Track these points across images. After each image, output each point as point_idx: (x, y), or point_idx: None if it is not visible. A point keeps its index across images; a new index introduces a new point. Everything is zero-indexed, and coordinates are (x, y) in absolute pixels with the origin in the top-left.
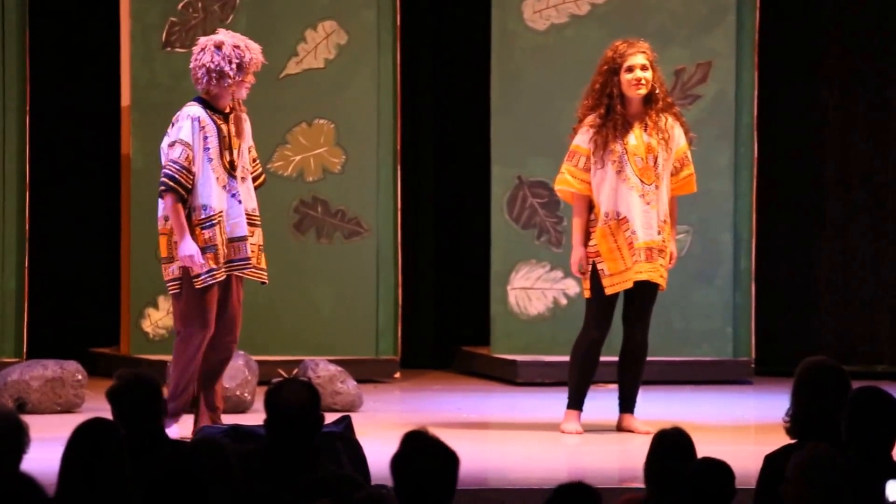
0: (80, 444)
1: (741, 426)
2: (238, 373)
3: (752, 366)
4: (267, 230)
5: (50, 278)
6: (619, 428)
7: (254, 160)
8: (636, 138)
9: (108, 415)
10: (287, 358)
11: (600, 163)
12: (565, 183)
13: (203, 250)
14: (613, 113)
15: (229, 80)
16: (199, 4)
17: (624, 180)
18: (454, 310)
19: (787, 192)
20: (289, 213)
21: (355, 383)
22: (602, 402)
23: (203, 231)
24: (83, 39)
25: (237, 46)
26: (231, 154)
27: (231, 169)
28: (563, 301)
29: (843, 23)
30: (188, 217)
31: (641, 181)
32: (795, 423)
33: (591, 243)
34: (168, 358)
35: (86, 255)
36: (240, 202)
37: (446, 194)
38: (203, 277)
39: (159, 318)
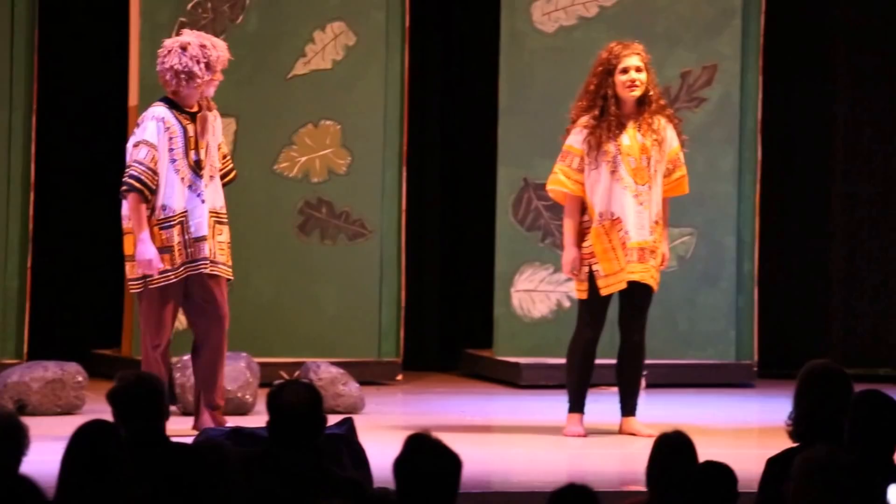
0: (81, 446)
1: (743, 429)
2: (239, 374)
3: (755, 369)
4: (271, 231)
5: (52, 279)
6: (622, 431)
7: (223, 157)
8: (630, 139)
9: (109, 417)
10: (289, 360)
11: (594, 163)
12: (558, 183)
13: (160, 251)
14: (607, 114)
15: (199, 80)
16: (209, 5)
17: (618, 180)
18: (458, 312)
19: (790, 196)
20: (293, 215)
21: (357, 385)
22: (605, 405)
23: (161, 231)
24: (92, 38)
25: (203, 46)
26: (198, 153)
27: (197, 168)
28: (567, 304)
29: (849, 27)
30: (147, 217)
31: (635, 181)
32: (798, 426)
33: (585, 244)
34: (170, 359)
35: (88, 256)
36: (203, 202)
37: (451, 196)
38: (157, 278)
39: None
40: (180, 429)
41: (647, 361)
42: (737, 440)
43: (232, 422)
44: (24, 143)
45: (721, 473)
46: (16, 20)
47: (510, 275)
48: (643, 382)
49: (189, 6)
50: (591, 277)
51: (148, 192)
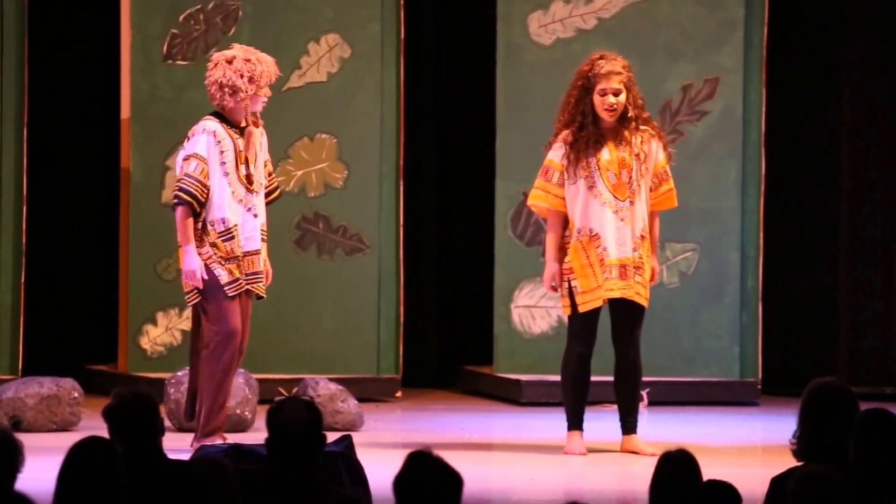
0: (76, 464)
1: (748, 448)
2: (238, 391)
3: (759, 387)
4: (268, 246)
5: (47, 294)
6: (623, 449)
7: (269, 174)
8: (610, 153)
9: (105, 433)
10: (287, 376)
11: (573, 178)
12: (538, 198)
13: (227, 261)
14: (587, 129)
15: (242, 94)
16: (201, 16)
17: (596, 196)
18: (457, 328)
19: (795, 210)
20: (290, 229)
21: (356, 402)
22: (606, 423)
23: (225, 243)
24: (83, 51)
25: (248, 60)
26: (247, 168)
27: (248, 183)
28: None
29: (852, 39)
30: (206, 231)
31: (615, 197)
32: (802, 445)
33: (565, 259)
34: (166, 375)
35: (83, 271)
36: (255, 216)
37: (449, 210)
38: (233, 286)
39: (157, 334)
40: (177, 445)
41: (650, 379)
42: (741, 459)
43: (230, 439)
44: (16, 157)
45: (725, 493)
46: (5, 32)
47: (510, 291)
48: (645, 400)
49: (181, 18)
50: (572, 294)
51: (197, 206)
